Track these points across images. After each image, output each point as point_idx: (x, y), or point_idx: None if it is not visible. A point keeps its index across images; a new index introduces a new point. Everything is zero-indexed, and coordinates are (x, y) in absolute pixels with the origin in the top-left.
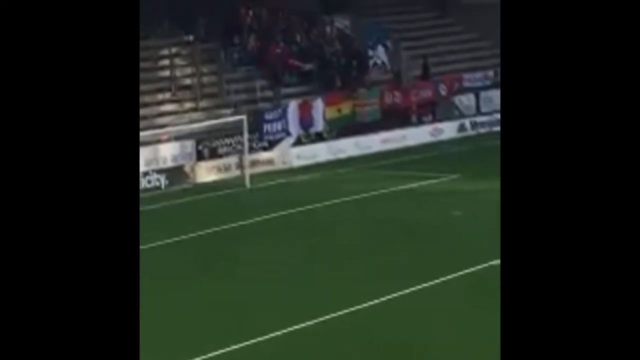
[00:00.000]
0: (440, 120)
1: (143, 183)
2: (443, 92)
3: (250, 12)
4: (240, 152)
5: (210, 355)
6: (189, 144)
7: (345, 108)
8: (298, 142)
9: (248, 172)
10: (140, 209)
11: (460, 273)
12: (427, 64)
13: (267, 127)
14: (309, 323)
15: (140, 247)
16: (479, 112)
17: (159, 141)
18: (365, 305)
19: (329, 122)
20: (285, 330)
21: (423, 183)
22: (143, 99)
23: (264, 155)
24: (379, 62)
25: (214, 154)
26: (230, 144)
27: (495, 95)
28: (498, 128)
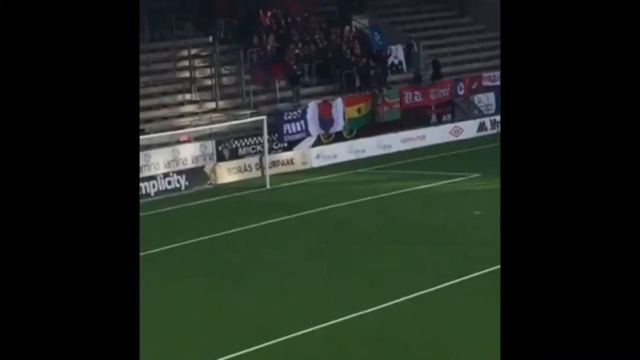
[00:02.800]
0: (460, 120)
1: (163, 184)
2: (462, 92)
3: (269, 13)
4: (261, 152)
5: (225, 357)
6: (209, 145)
7: (365, 108)
8: (318, 142)
9: (268, 172)
10: (160, 210)
11: (482, 272)
12: (438, 64)
13: (287, 127)
14: (324, 324)
15: (160, 248)
16: (498, 110)
17: (179, 142)
18: (383, 305)
19: (348, 122)
20: (300, 332)
21: (443, 182)
22: (163, 100)
23: (284, 156)
24: (397, 62)
25: (234, 155)
26: (250, 145)
27: None
28: None
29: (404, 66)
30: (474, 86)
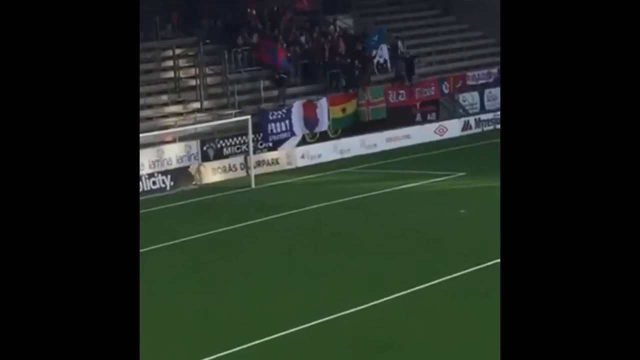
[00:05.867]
0: (444, 119)
1: (148, 184)
2: (447, 91)
3: (254, 13)
4: (245, 152)
5: (211, 357)
6: (194, 145)
7: (350, 107)
8: (303, 142)
9: (253, 172)
10: (146, 210)
11: (467, 271)
12: (412, 62)
13: (271, 127)
14: (310, 324)
15: (146, 248)
16: (483, 109)
17: (163, 142)
18: (367, 305)
19: (333, 122)
20: (284, 332)
21: (428, 181)
22: (147, 100)
23: (269, 155)
24: (382, 61)
25: (218, 155)
26: (235, 145)
27: (500, 92)
28: None
29: (389, 65)
30: (458, 85)
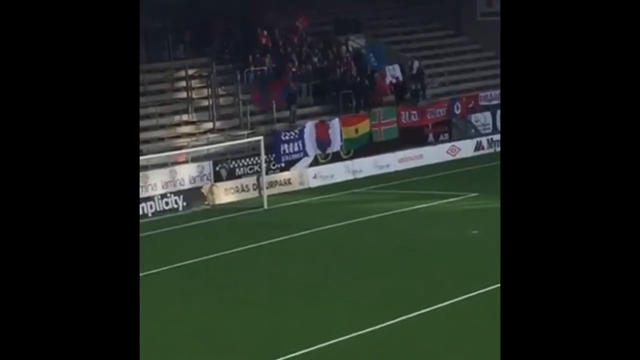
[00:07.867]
0: (457, 139)
1: (161, 205)
2: (459, 111)
3: (266, 33)
4: (258, 172)
5: None
6: (207, 165)
7: (362, 128)
8: (315, 162)
9: (265, 192)
10: (158, 230)
11: (481, 291)
12: (403, 85)
13: (284, 147)
14: (324, 344)
15: (157, 269)
16: (495, 130)
17: (176, 163)
18: (383, 325)
19: (346, 142)
20: (298, 352)
21: (441, 202)
22: (160, 120)
23: (282, 176)
24: (394, 81)
25: (231, 175)
26: (248, 165)
27: None
28: None
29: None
30: (470, 105)
